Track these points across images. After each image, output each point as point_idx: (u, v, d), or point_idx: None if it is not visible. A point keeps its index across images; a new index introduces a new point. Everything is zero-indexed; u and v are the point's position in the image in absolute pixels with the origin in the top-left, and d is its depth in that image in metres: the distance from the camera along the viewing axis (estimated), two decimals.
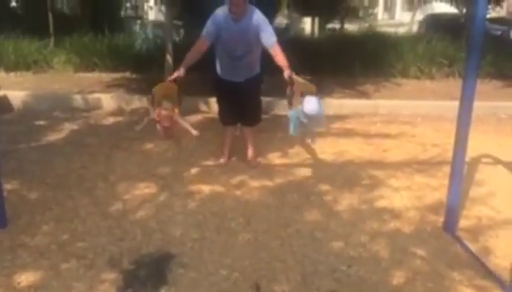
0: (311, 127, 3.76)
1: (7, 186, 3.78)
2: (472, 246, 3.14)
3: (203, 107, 6.67)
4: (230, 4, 3.99)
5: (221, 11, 4.12)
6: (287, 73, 3.89)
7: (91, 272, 2.86)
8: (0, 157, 3.42)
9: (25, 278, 2.78)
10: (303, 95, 3.67)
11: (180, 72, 4.04)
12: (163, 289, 2.71)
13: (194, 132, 3.69)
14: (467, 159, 3.40)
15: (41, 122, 6.07)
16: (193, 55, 4.14)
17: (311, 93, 3.65)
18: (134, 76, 8.19)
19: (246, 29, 4.06)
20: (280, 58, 4.00)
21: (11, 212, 3.46)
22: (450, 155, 3.36)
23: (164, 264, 2.94)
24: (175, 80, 4.02)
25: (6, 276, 2.79)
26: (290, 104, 3.84)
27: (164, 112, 3.65)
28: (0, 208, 3.35)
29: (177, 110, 3.79)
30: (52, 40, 9.30)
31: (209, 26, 4.12)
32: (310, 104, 3.51)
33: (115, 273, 2.84)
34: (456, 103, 3.27)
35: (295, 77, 3.88)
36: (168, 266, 2.93)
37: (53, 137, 5.49)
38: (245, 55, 4.19)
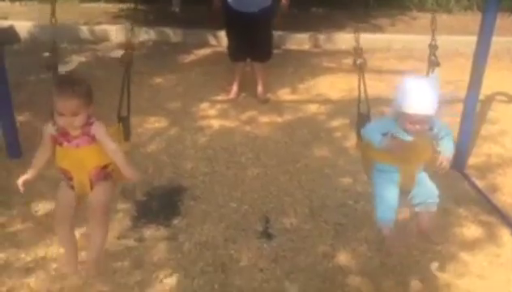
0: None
1: (20, 118, 3.83)
2: (480, 183, 3.18)
3: (213, 41, 6.52)
4: None
5: None
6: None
7: None
8: (11, 89, 3.41)
9: (42, 207, 2.88)
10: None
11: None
12: (175, 220, 2.80)
13: (132, 171, 1.89)
14: (481, 96, 3.35)
15: (49, 54, 5.99)
16: None
17: None
18: (140, 7, 7.95)
19: None
20: None
21: (25, 143, 3.51)
22: (463, 92, 3.30)
23: (176, 196, 3.03)
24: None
25: (23, 205, 2.90)
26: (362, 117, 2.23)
27: (60, 120, 1.85)
28: (14, 139, 3.42)
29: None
30: None
31: None
32: (418, 91, 1.85)
33: (129, 204, 2.93)
34: (473, 38, 3.17)
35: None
36: (180, 198, 3.01)
37: (61, 69, 5.41)
38: None
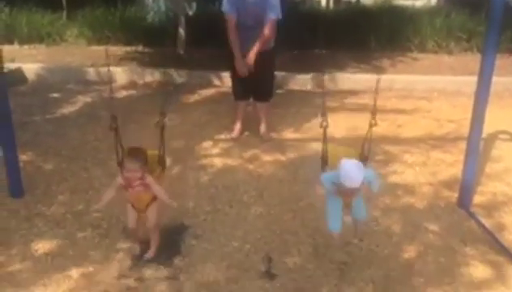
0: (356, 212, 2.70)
1: (23, 157, 3.84)
2: (486, 222, 3.12)
3: (216, 81, 6.63)
4: None
5: None
6: (251, 52, 4.13)
7: (107, 241, 2.91)
8: (16, 129, 3.44)
9: (42, 246, 2.84)
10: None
11: (241, 60, 4.24)
12: (176, 259, 2.75)
13: (170, 202, 2.71)
14: (484, 135, 3.34)
15: (55, 95, 6.10)
16: (233, 35, 4.25)
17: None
18: (146, 50, 8.15)
19: (257, 1, 4.11)
20: (265, 34, 4.15)
21: (27, 182, 3.51)
22: (466, 131, 3.31)
23: (178, 235, 2.98)
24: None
25: (23, 245, 2.86)
26: (323, 163, 2.78)
27: (127, 174, 2.60)
28: (16, 179, 3.41)
29: (150, 176, 2.67)
30: (64, 13, 9.26)
31: (227, 2, 4.18)
32: (349, 173, 2.43)
33: (130, 243, 2.88)
34: (474, 78, 3.20)
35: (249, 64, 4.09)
36: (182, 237, 2.97)
37: (67, 109, 5.53)
38: (257, 26, 4.18)
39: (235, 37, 4.22)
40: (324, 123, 2.83)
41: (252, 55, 4.20)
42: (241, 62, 4.26)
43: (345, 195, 2.56)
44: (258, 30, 4.21)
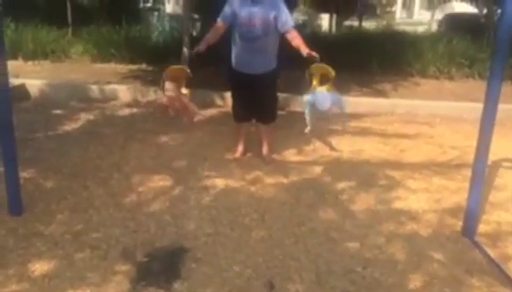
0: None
1: (24, 175, 3.81)
2: (491, 252, 3.07)
3: (219, 101, 6.65)
4: None
5: None
6: (305, 51, 4.00)
7: (105, 263, 2.86)
8: (17, 145, 3.42)
9: (39, 267, 2.78)
10: (322, 81, 3.92)
11: (199, 48, 4.22)
12: (176, 284, 2.69)
13: (197, 112, 3.91)
14: (488, 162, 3.32)
15: (58, 112, 6.11)
16: (211, 36, 4.27)
17: (330, 77, 3.88)
18: (150, 68, 8.20)
19: (263, 9, 4.06)
20: (297, 41, 4.11)
21: (27, 200, 3.47)
22: (469, 157, 3.29)
23: (178, 258, 2.93)
24: (194, 58, 4.40)
25: (20, 265, 2.80)
26: (310, 84, 3.99)
27: (167, 93, 3.70)
28: (16, 196, 3.37)
29: (184, 92, 3.92)
30: (70, 30, 9.36)
31: (225, 9, 4.19)
32: (323, 99, 3.79)
33: (128, 265, 2.83)
34: (476, 105, 3.21)
35: (315, 54, 4.00)
36: (182, 260, 2.91)
37: (69, 127, 5.52)
38: (261, 37, 4.10)
39: (210, 37, 4.24)
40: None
41: (306, 49, 4.00)
42: (197, 48, 4.22)
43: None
44: (262, 43, 4.13)
